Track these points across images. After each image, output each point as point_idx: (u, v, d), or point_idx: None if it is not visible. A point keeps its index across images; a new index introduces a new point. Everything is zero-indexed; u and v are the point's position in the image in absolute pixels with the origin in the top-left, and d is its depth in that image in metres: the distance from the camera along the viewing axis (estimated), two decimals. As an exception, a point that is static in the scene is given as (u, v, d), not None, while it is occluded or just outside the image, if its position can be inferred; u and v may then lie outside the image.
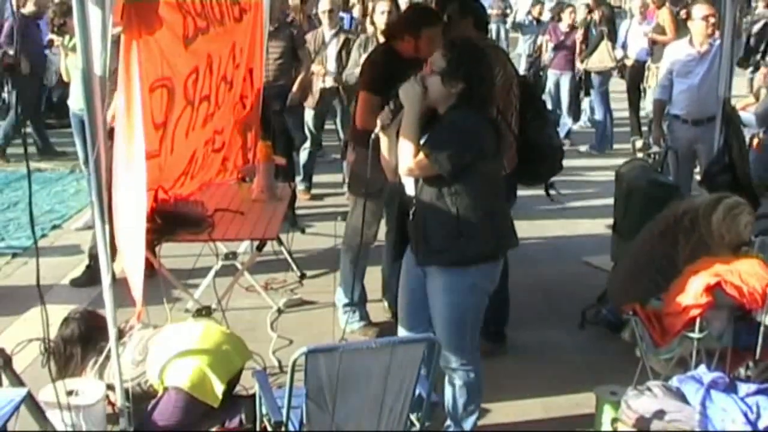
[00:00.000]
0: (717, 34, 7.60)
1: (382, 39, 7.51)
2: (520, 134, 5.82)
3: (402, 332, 4.73)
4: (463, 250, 4.30)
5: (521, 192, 6.32)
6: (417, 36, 5.66)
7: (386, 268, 6.52)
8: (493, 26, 26.09)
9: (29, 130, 12.13)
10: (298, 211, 8.74)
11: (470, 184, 4.27)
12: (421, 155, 4.19)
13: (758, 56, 15.01)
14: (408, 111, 4.25)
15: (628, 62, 13.20)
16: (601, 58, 13.17)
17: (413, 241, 4.52)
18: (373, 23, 8.57)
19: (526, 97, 5.99)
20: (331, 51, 9.48)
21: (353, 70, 8.09)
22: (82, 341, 4.56)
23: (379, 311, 6.53)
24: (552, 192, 6.49)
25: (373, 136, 4.47)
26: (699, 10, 7.81)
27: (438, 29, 5.67)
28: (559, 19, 14.01)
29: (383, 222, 6.44)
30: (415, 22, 5.77)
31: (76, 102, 8.18)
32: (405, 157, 4.24)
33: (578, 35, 13.47)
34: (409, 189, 4.43)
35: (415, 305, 4.63)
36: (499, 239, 4.49)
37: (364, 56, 7.96)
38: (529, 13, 17.39)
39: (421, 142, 4.25)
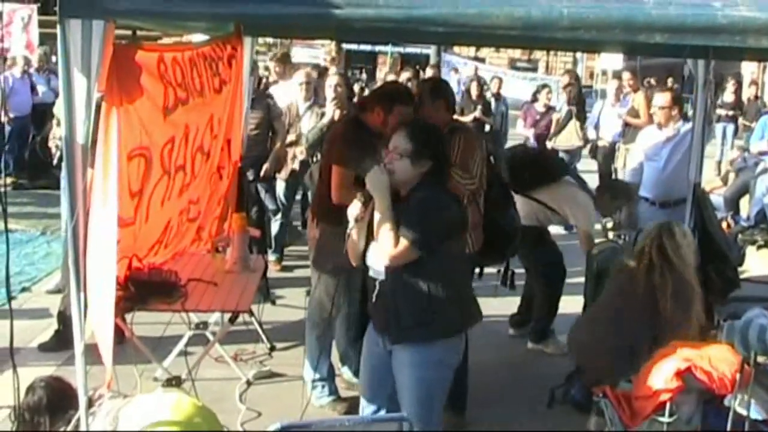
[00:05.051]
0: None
1: (337, 110, 7.79)
2: (485, 215, 5.90)
3: (365, 408, 4.76)
4: (433, 326, 4.33)
5: (492, 269, 6.36)
6: (388, 111, 5.73)
7: (340, 340, 6.54)
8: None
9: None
10: (269, 282, 8.73)
11: (439, 261, 4.31)
12: (403, 243, 4.20)
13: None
14: (380, 201, 4.26)
15: (601, 143, 13.35)
16: (569, 137, 13.36)
17: (380, 322, 4.53)
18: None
19: (491, 179, 6.08)
20: (305, 123, 9.53)
21: (310, 133, 8.78)
22: (50, 410, 4.48)
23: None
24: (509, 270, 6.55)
25: (348, 230, 4.45)
26: (657, 99, 8.03)
27: (409, 109, 5.75)
28: (535, 100, 14.17)
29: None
30: (389, 98, 5.84)
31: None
32: (387, 247, 4.23)
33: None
34: (375, 271, 4.43)
35: (378, 382, 4.67)
36: (465, 315, 4.56)
37: (323, 120, 8.37)
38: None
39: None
